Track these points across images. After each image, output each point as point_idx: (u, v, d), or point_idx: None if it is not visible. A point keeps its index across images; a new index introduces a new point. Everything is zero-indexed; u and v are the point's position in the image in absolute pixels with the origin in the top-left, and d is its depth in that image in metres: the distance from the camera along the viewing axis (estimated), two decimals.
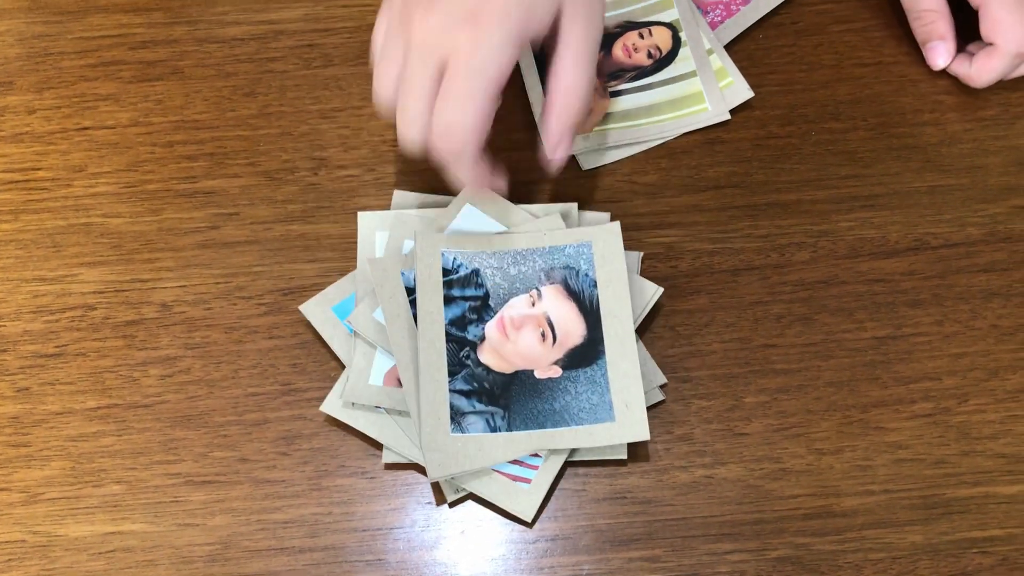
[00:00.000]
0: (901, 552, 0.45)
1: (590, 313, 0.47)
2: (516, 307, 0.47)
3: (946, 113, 0.55)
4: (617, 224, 0.49)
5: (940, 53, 0.54)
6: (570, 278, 0.48)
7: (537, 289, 0.48)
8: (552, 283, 0.48)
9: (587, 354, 0.46)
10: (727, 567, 0.45)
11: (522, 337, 0.47)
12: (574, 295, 0.48)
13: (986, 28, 0.52)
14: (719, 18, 0.56)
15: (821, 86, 0.55)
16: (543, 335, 0.47)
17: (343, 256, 0.51)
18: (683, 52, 0.54)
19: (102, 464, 0.47)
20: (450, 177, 0.46)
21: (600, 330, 0.47)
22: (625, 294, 0.47)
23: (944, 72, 0.55)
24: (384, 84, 0.45)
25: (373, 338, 0.47)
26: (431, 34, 0.43)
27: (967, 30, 0.54)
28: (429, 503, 0.46)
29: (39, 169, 0.53)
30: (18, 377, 0.48)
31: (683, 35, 0.54)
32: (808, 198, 0.52)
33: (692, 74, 0.54)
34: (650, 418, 0.47)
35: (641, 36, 0.54)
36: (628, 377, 0.46)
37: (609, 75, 0.54)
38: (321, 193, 0.52)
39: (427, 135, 0.44)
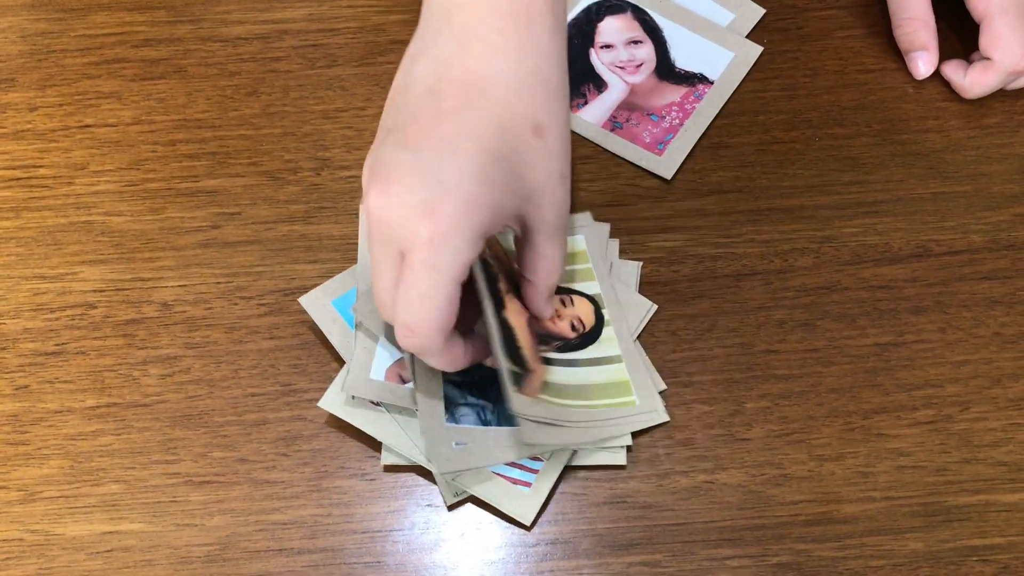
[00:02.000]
0: (902, 559, 0.45)
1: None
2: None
3: (950, 120, 0.54)
4: (606, 226, 0.50)
5: (923, 63, 0.55)
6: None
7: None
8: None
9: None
10: (727, 573, 0.45)
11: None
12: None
13: (986, 42, 0.53)
14: (677, 121, 0.54)
15: (825, 91, 0.55)
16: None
17: (345, 257, 0.51)
18: (607, 332, 0.48)
19: (101, 463, 0.47)
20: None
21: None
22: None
23: (947, 79, 0.55)
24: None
25: (376, 328, 0.47)
26: (388, 222, 0.39)
27: (969, 40, 0.54)
28: (429, 505, 0.46)
29: (41, 166, 0.53)
30: (17, 375, 0.48)
31: (606, 313, 0.49)
32: (811, 204, 0.52)
33: (618, 359, 0.48)
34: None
35: (563, 303, 0.49)
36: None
37: (539, 336, 0.48)
38: (324, 194, 0.52)
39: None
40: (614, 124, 0.54)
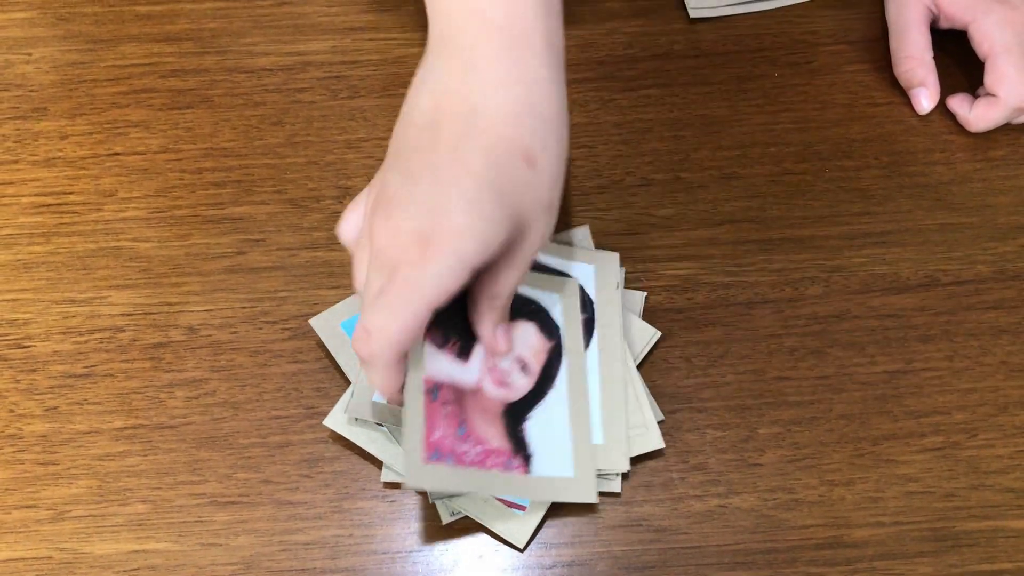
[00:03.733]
0: None
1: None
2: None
3: (956, 153, 0.56)
4: (615, 255, 0.51)
5: (924, 98, 0.56)
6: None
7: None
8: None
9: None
10: None
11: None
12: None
13: (990, 80, 0.54)
14: None
15: (835, 124, 0.57)
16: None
17: None
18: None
19: (128, 483, 0.48)
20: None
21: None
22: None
23: (953, 113, 0.56)
24: (357, 278, 0.44)
25: None
26: (385, 244, 0.41)
27: (974, 75, 0.56)
28: (448, 527, 0.47)
29: (71, 193, 0.55)
30: (47, 396, 0.50)
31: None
32: (821, 234, 0.53)
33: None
34: (665, 447, 0.48)
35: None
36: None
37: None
38: None
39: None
40: None
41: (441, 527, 0.47)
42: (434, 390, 0.45)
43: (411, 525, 0.47)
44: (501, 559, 0.46)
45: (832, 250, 0.53)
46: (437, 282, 0.40)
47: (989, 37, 0.54)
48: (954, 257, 0.53)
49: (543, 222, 0.43)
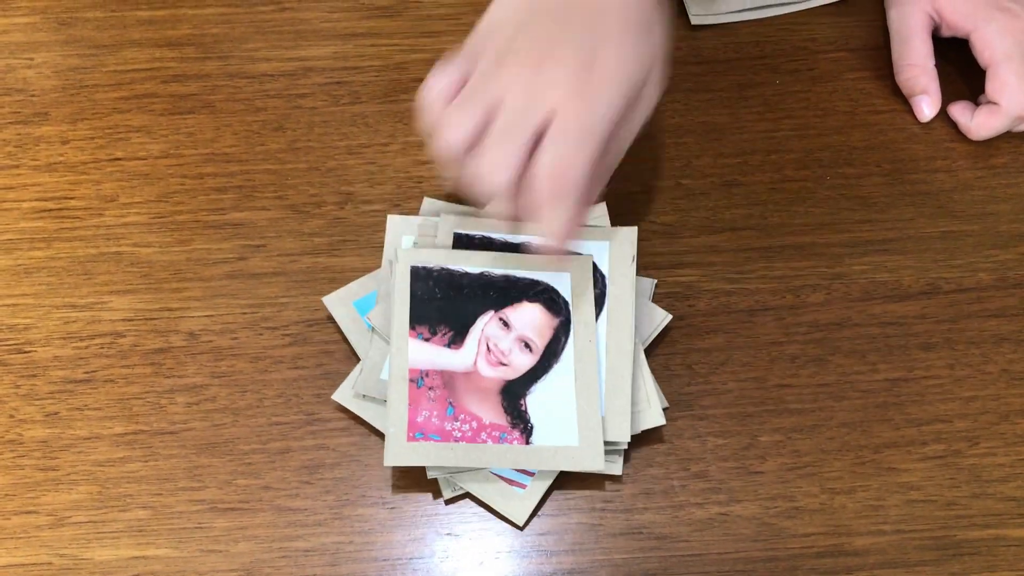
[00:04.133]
0: None
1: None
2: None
3: (958, 160, 0.56)
4: (633, 230, 0.51)
5: (926, 105, 0.56)
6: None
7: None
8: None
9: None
10: None
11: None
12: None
13: (992, 88, 0.54)
14: None
15: (836, 132, 0.57)
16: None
17: None
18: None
19: (128, 489, 0.48)
20: (541, 223, 0.44)
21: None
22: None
23: (955, 121, 0.56)
24: (457, 133, 0.43)
25: (387, 333, 0.49)
26: (539, 87, 0.43)
27: (975, 83, 0.56)
28: (448, 534, 0.47)
29: (72, 198, 0.55)
30: (48, 402, 0.49)
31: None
32: (823, 241, 0.53)
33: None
34: (665, 455, 0.48)
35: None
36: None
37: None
38: (347, 227, 0.54)
39: (528, 175, 0.43)
40: None
41: (441, 534, 0.47)
42: (419, 378, 0.48)
43: (411, 532, 0.47)
44: (502, 565, 0.46)
45: (833, 257, 0.53)
46: (608, 106, 0.43)
47: (990, 45, 0.54)
48: (955, 265, 0.53)
49: (659, 74, 0.46)
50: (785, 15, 0.60)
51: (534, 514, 0.47)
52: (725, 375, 0.50)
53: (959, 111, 0.56)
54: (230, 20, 0.60)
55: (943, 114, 0.57)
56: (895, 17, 0.58)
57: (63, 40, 0.59)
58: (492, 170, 0.43)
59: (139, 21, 0.60)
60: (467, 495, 0.47)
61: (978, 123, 0.55)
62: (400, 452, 0.46)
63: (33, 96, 0.58)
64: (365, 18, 0.60)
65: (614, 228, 0.52)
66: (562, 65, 0.43)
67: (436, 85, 0.45)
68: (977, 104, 0.56)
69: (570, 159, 0.42)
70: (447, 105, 0.44)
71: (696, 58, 0.59)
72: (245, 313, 0.52)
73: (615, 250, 0.51)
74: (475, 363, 0.49)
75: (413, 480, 0.48)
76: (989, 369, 0.50)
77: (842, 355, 0.51)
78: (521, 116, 0.43)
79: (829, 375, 0.50)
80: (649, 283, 0.52)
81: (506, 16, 0.45)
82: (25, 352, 0.51)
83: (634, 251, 0.51)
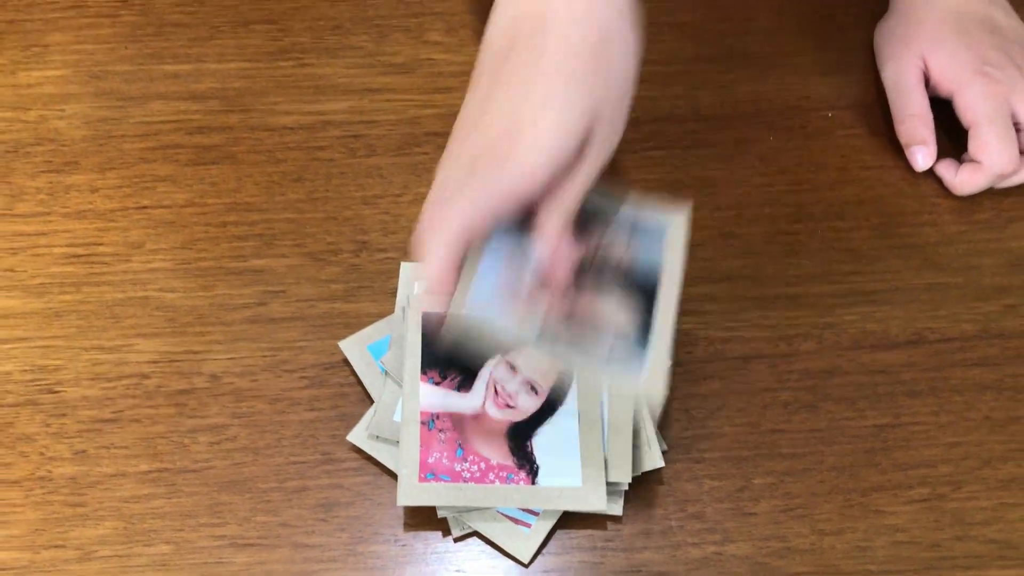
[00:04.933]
0: None
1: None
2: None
3: (944, 215, 0.59)
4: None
5: (922, 156, 0.59)
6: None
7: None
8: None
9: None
10: None
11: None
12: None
13: (974, 147, 0.57)
14: None
15: (828, 187, 0.59)
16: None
17: None
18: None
19: (152, 525, 0.50)
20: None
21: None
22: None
23: (940, 177, 0.59)
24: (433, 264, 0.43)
25: (399, 377, 0.52)
26: (470, 152, 0.43)
27: (959, 140, 0.59)
28: (457, 571, 0.49)
29: (100, 244, 0.57)
30: (76, 440, 0.52)
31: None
32: (815, 292, 0.56)
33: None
34: (664, 496, 0.50)
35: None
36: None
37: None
38: (362, 274, 0.56)
39: None
40: None
41: (451, 571, 0.49)
42: (430, 420, 0.50)
43: (422, 568, 0.49)
44: None
45: (824, 307, 0.56)
46: (521, 172, 0.41)
47: (972, 107, 0.57)
48: (940, 316, 0.56)
49: (616, 119, 0.44)
50: (780, 75, 0.63)
51: (539, 552, 0.49)
52: (721, 420, 0.53)
53: (944, 168, 0.59)
54: (252, 75, 0.63)
55: (929, 171, 0.59)
56: (892, 72, 0.61)
57: (93, 92, 0.62)
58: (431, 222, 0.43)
59: (165, 75, 0.63)
60: (475, 533, 0.50)
61: (962, 180, 0.58)
62: (412, 492, 0.49)
63: (64, 146, 0.61)
64: (381, 74, 0.63)
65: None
66: (486, 133, 0.42)
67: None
68: (960, 161, 0.59)
69: (457, 209, 0.42)
70: None
71: (694, 115, 0.62)
72: (265, 356, 0.54)
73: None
74: (483, 406, 0.51)
75: (423, 518, 0.50)
76: (972, 416, 0.53)
77: (832, 401, 0.53)
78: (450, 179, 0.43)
79: (820, 421, 0.53)
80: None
81: (479, 63, 0.45)
82: (55, 392, 0.53)
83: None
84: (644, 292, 0.47)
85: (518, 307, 0.45)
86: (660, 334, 0.46)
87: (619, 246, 0.48)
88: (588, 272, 0.47)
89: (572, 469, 0.49)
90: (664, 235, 0.48)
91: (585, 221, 0.46)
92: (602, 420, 0.51)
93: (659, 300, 0.47)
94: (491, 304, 0.45)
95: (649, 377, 0.45)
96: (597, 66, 0.42)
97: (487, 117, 0.43)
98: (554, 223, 0.43)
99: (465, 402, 0.51)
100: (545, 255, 0.44)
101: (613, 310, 0.47)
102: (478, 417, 0.51)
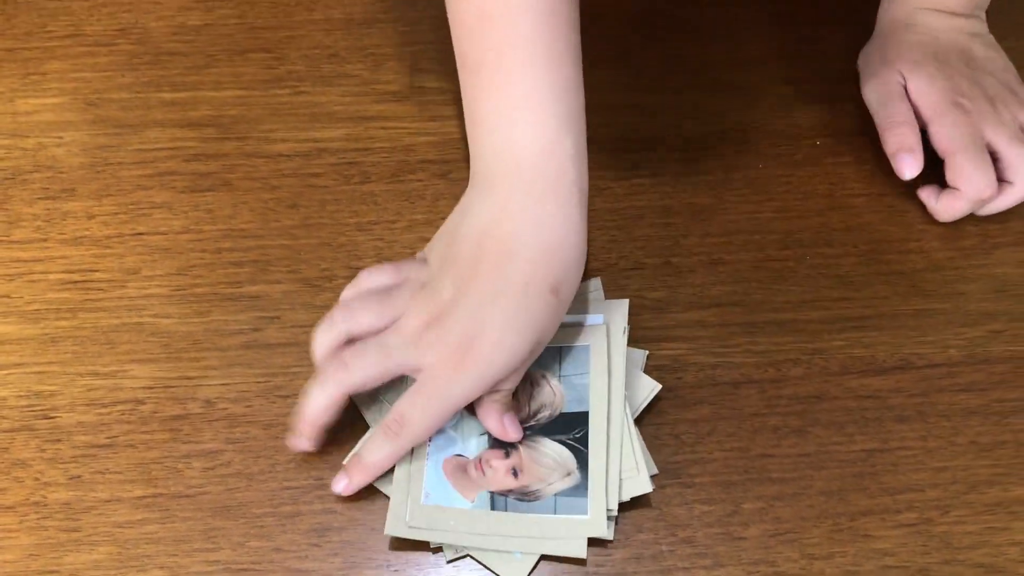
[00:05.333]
0: None
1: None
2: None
3: (931, 242, 0.60)
4: (625, 303, 0.55)
5: (908, 163, 0.59)
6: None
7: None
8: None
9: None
10: None
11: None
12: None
13: (951, 175, 0.58)
14: None
15: (816, 214, 0.60)
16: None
17: None
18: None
19: (146, 550, 0.50)
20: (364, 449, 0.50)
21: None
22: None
23: (923, 203, 0.60)
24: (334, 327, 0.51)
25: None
26: (431, 340, 0.48)
27: (940, 168, 0.60)
28: None
29: (96, 271, 0.58)
30: (71, 465, 0.52)
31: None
32: (803, 318, 0.57)
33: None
34: (655, 520, 0.51)
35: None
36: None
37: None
38: None
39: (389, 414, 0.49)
40: None
41: None
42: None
43: None
44: None
45: (813, 333, 0.56)
46: (468, 389, 0.48)
47: (947, 137, 0.58)
48: (927, 341, 0.56)
49: (549, 338, 0.50)
50: (768, 104, 0.64)
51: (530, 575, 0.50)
52: (711, 445, 0.53)
53: (926, 195, 0.60)
54: (247, 103, 0.64)
55: (915, 199, 0.60)
56: (874, 87, 0.62)
57: (90, 120, 0.63)
58: (340, 367, 0.49)
59: (162, 102, 0.64)
60: (468, 556, 0.50)
61: (942, 206, 0.59)
62: (401, 528, 0.49)
63: (61, 173, 0.61)
64: (375, 102, 0.64)
65: (608, 300, 0.56)
66: (444, 337, 0.48)
67: (365, 281, 0.53)
68: (938, 189, 0.60)
69: (412, 423, 0.49)
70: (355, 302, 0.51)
71: (684, 143, 0.63)
72: (259, 382, 0.55)
73: (610, 323, 0.54)
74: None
75: (416, 542, 0.50)
76: (959, 441, 0.53)
77: (821, 427, 0.54)
78: (393, 351, 0.49)
79: (809, 445, 0.53)
80: (641, 354, 0.55)
81: (438, 252, 0.52)
82: (50, 418, 0.54)
83: (626, 323, 0.54)
84: (579, 426, 0.51)
85: (469, 489, 0.50)
86: (595, 472, 0.50)
87: (547, 388, 0.53)
88: (526, 427, 0.52)
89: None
90: (588, 354, 0.53)
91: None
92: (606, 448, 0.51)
93: (592, 430, 0.51)
94: (444, 490, 0.50)
95: (591, 520, 0.49)
96: (549, 300, 0.48)
97: (457, 311, 0.48)
98: (494, 418, 0.50)
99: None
100: (495, 433, 0.51)
101: (552, 460, 0.51)
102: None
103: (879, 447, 0.53)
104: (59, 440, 0.53)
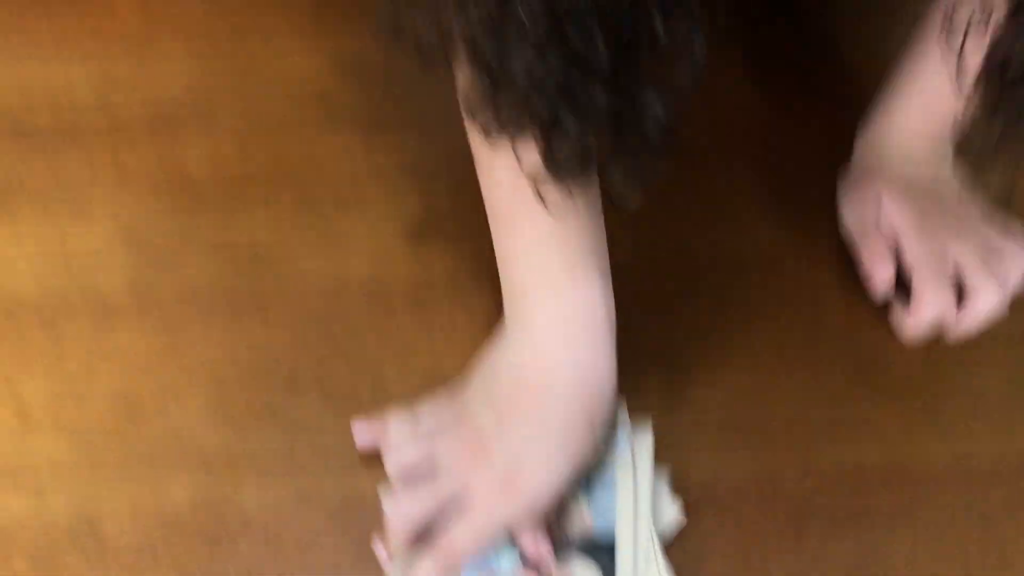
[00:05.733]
0: None
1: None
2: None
3: (913, 354, 0.63)
4: (648, 426, 0.57)
5: (880, 284, 0.63)
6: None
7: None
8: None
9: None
10: None
11: None
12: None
13: (913, 295, 0.62)
14: None
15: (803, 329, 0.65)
16: None
17: None
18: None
19: None
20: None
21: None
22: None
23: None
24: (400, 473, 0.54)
25: None
26: (477, 473, 0.51)
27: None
28: None
29: (139, 393, 0.62)
30: None
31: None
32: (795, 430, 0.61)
33: None
34: None
35: None
36: None
37: None
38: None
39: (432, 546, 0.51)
40: None
41: None
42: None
43: None
44: None
45: (805, 444, 0.60)
46: (513, 518, 0.51)
47: (911, 254, 0.62)
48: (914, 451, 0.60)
49: (596, 451, 0.54)
50: (758, 230, 0.69)
51: None
52: (715, 559, 0.56)
53: (895, 315, 0.63)
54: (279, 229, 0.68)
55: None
56: (853, 207, 0.66)
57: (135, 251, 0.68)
58: (400, 513, 0.52)
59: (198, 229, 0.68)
60: None
61: (908, 324, 0.62)
62: None
63: (107, 300, 0.65)
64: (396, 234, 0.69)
65: (633, 424, 0.57)
66: (489, 468, 0.51)
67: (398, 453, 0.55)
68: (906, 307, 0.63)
69: (460, 545, 0.51)
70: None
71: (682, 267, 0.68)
72: (295, 496, 0.58)
73: (635, 445, 0.56)
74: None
75: None
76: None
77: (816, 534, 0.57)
78: (443, 487, 0.52)
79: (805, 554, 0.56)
80: (663, 478, 0.57)
81: (476, 385, 0.55)
82: (95, 535, 0.57)
83: (652, 444, 0.57)
84: (607, 549, 0.54)
85: None
86: None
87: (576, 510, 0.55)
88: (555, 549, 0.53)
89: None
90: (615, 481, 0.55)
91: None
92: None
93: (619, 553, 0.53)
94: None
95: None
96: (595, 416, 0.52)
97: (500, 443, 0.52)
98: (528, 538, 0.52)
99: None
100: (528, 550, 0.52)
101: None
102: None
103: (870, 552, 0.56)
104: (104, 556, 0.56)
